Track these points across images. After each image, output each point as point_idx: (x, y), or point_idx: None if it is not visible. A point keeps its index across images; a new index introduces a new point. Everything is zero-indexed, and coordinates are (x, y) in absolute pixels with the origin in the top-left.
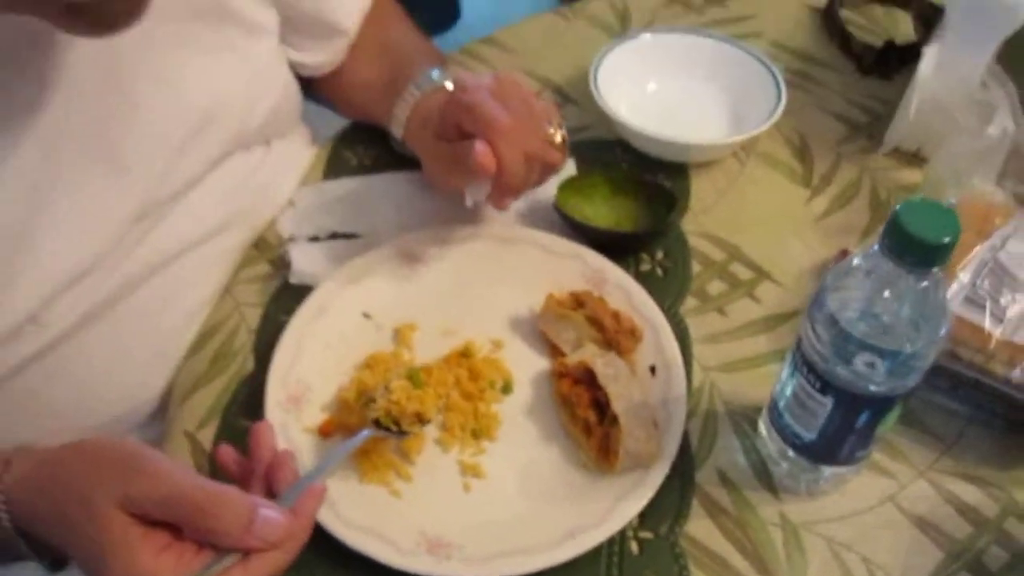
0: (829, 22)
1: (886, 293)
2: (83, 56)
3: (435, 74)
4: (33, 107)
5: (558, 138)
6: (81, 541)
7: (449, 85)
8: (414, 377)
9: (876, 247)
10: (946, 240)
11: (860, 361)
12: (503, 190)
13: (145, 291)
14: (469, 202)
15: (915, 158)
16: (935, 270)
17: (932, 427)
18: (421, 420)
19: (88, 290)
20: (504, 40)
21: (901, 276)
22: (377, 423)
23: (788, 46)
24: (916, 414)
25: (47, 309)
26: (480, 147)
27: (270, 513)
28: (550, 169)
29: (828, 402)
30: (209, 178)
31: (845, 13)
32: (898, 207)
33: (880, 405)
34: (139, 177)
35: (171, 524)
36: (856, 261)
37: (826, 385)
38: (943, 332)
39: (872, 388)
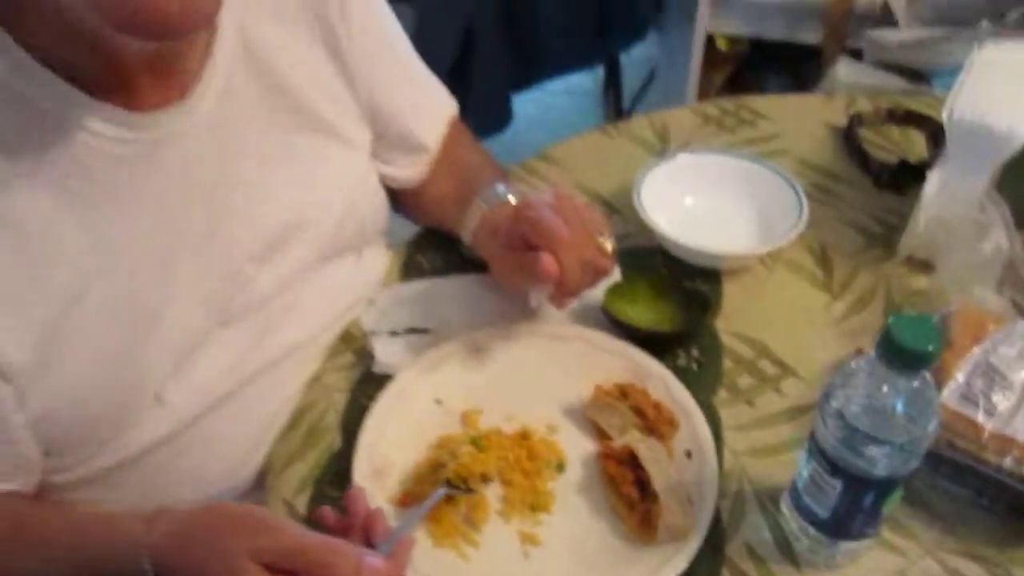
0: (848, 141)
1: (883, 391)
2: (201, 158)
3: (500, 189)
4: (160, 200)
5: (608, 246)
6: None
7: (512, 199)
8: (477, 443)
9: (874, 353)
10: (929, 349)
11: (863, 449)
12: (563, 292)
13: (255, 386)
14: (534, 302)
15: (926, 266)
16: (923, 373)
17: (938, 509)
18: (485, 479)
19: (209, 387)
20: (556, 156)
21: (895, 378)
22: (448, 483)
23: (811, 162)
24: (924, 497)
25: (169, 388)
26: (546, 258)
27: (374, 560)
28: (601, 274)
29: (838, 484)
30: (314, 288)
31: (863, 133)
32: (890, 320)
33: (883, 487)
34: (246, 266)
35: (293, 572)
36: (858, 364)
37: (836, 469)
38: (933, 425)
39: (875, 472)
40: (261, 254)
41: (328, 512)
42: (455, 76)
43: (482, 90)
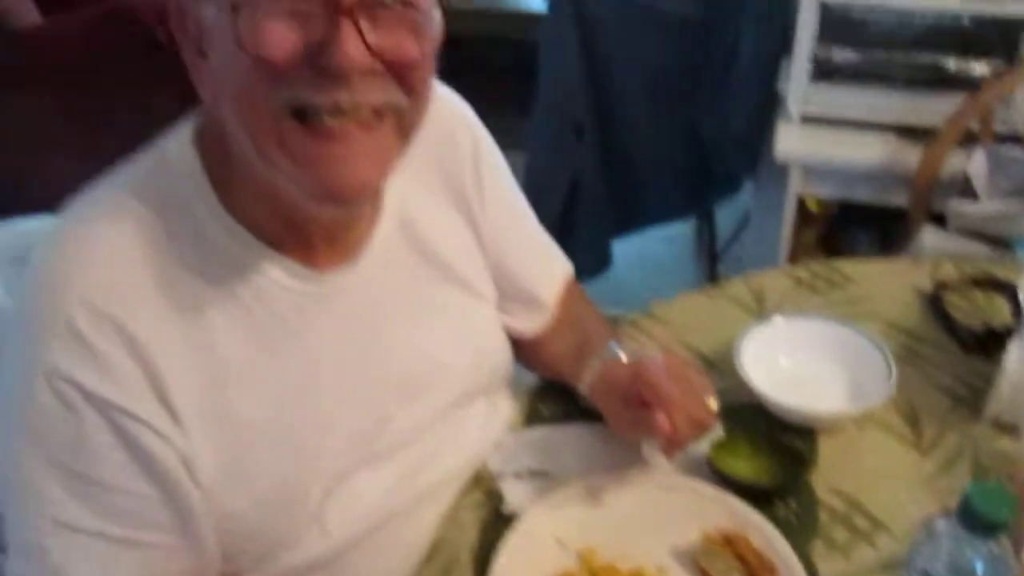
0: (935, 306)
1: (964, 553)
2: (361, 309)
3: (613, 347)
4: (325, 344)
5: (713, 406)
6: None
7: (624, 356)
8: (595, 573)
9: (954, 516)
10: (1005, 518)
11: None
12: (674, 445)
13: (398, 520)
14: (646, 453)
15: (1011, 429)
16: (1001, 537)
17: None
18: None
19: (359, 518)
20: (661, 314)
21: (974, 541)
22: None
23: (900, 325)
24: None
25: (324, 515)
26: (661, 417)
27: None
28: (706, 429)
29: None
30: (450, 431)
31: (949, 298)
32: (968, 488)
33: None
34: (391, 406)
35: None
36: (941, 525)
37: None
38: None
39: None
40: (404, 395)
41: None
42: (561, 222)
43: (585, 236)
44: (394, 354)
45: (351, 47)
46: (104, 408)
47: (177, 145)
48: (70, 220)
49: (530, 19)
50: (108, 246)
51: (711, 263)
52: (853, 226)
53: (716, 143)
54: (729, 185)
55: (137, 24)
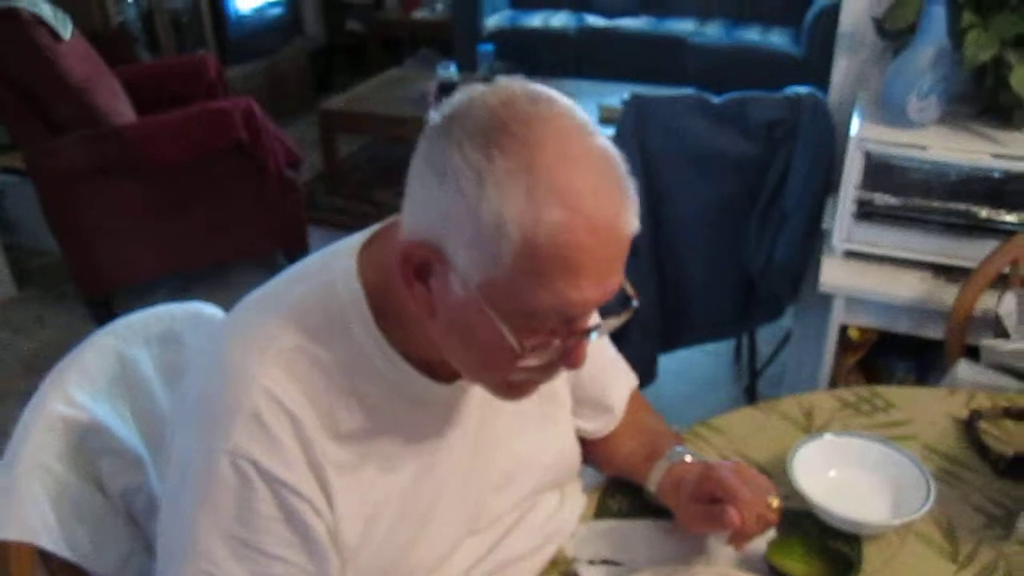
0: (969, 432)
1: None
2: (473, 413)
3: (679, 450)
4: (445, 441)
5: (775, 504)
6: None
7: (688, 458)
8: None
9: None
10: None
11: None
12: (741, 538)
13: None
14: (713, 545)
15: None
16: None
17: None
18: None
19: None
20: (718, 425)
21: None
22: None
23: (937, 448)
24: None
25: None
26: (732, 511)
27: None
28: (770, 525)
29: None
30: (530, 514)
31: (982, 425)
32: None
33: None
34: (487, 495)
35: None
36: None
37: None
38: None
39: None
40: (498, 484)
41: None
42: (612, 334)
43: (633, 350)
44: (493, 450)
45: (584, 354)
46: (273, 484)
47: (344, 277)
48: (252, 322)
49: None
50: (287, 349)
51: (751, 379)
52: (891, 353)
53: (762, 271)
54: (773, 310)
55: (222, 127)
